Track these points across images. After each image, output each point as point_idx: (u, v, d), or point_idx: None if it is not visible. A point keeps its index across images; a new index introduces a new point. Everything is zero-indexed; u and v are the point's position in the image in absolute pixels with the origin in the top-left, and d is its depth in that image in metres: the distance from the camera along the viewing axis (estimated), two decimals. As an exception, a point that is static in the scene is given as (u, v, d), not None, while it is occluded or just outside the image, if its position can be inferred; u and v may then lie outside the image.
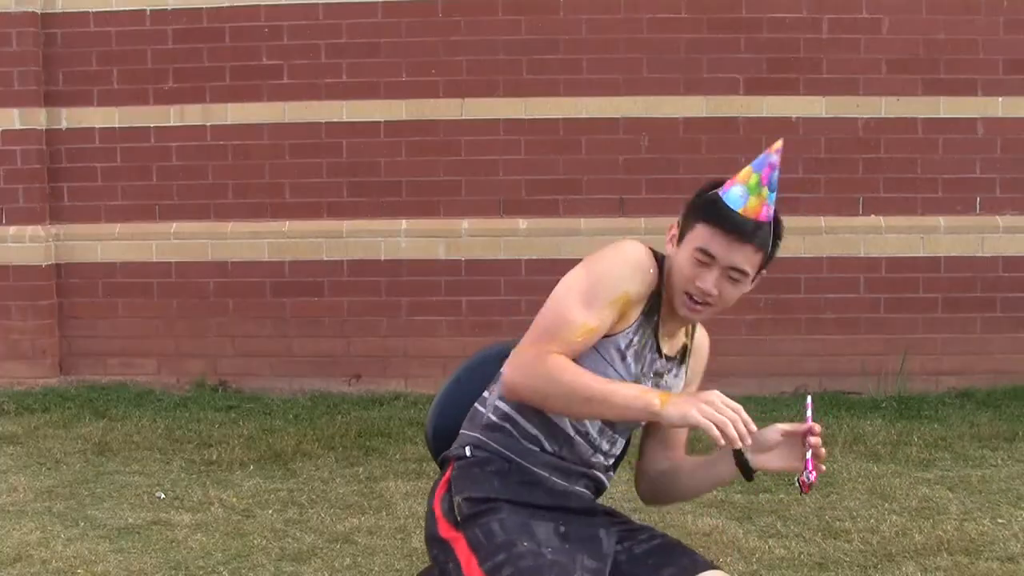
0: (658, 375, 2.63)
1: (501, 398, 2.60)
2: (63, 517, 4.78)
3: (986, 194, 6.89)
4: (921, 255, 6.88)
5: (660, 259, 2.61)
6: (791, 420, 6.12)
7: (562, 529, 2.48)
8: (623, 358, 2.56)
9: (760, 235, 2.48)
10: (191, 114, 7.10)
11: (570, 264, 2.60)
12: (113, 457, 5.65)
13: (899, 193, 6.88)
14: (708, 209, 2.51)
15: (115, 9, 7.08)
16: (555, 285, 2.55)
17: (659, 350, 2.62)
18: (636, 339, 2.57)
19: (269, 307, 7.13)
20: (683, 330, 2.68)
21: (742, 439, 2.27)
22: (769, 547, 4.36)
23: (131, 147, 7.15)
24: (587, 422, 2.57)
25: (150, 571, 4.19)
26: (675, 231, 2.57)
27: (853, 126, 6.87)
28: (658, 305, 2.59)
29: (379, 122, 7.01)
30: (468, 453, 2.60)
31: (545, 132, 6.95)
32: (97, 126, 7.16)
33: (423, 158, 7.00)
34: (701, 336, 2.76)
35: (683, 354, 2.70)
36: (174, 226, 7.16)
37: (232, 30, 7.04)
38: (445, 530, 2.50)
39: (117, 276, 7.20)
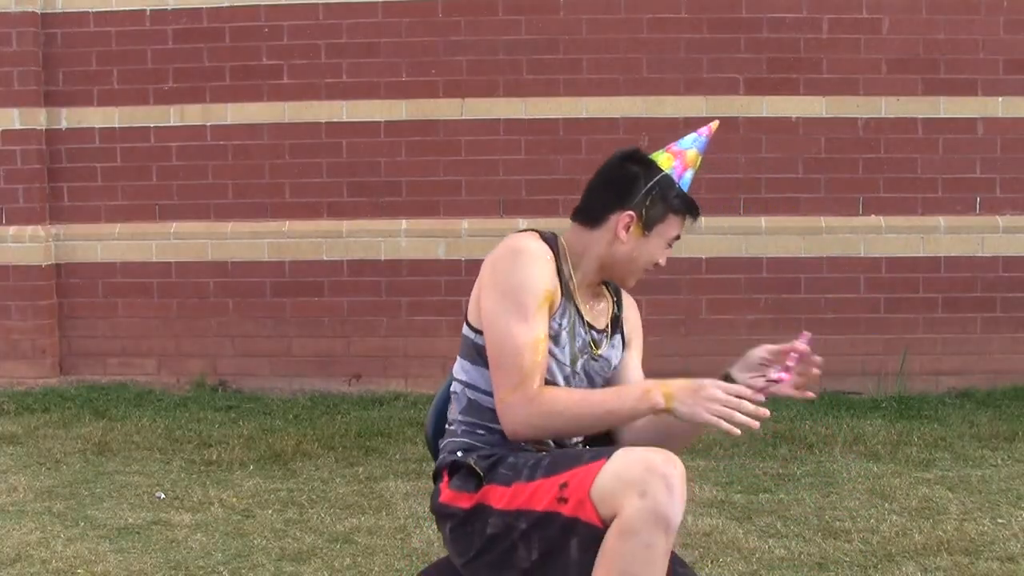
0: (594, 345, 2.73)
1: (461, 412, 2.69)
2: (63, 517, 4.77)
3: (986, 194, 6.89)
4: (921, 255, 6.88)
5: (549, 235, 2.73)
6: (791, 419, 6.14)
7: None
8: (557, 342, 2.64)
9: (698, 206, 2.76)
10: (191, 114, 7.10)
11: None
12: (113, 457, 5.65)
13: (899, 193, 6.88)
14: (679, 202, 2.72)
15: (115, 9, 7.08)
16: None
17: (586, 324, 2.72)
18: (565, 321, 2.66)
19: (269, 307, 7.13)
20: (604, 300, 2.81)
21: (755, 418, 2.40)
22: (769, 547, 4.36)
23: (131, 147, 7.16)
24: None
25: (150, 571, 4.19)
26: (630, 219, 2.69)
27: (853, 126, 6.87)
28: (568, 278, 2.70)
29: (379, 122, 7.02)
30: (459, 455, 2.62)
31: (545, 132, 6.95)
32: (97, 126, 7.16)
33: (423, 158, 7.01)
34: (627, 300, 2.90)
35: (615, 323, 2.81)
36: (174, 226, 7.16)
37: (232, 30, 7.04)
38: (468, 500, 2.53)
39: (117, 276, 7.20)
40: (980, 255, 6.88)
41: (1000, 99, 6.83)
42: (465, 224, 6.98)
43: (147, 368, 7.23)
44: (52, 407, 6.54)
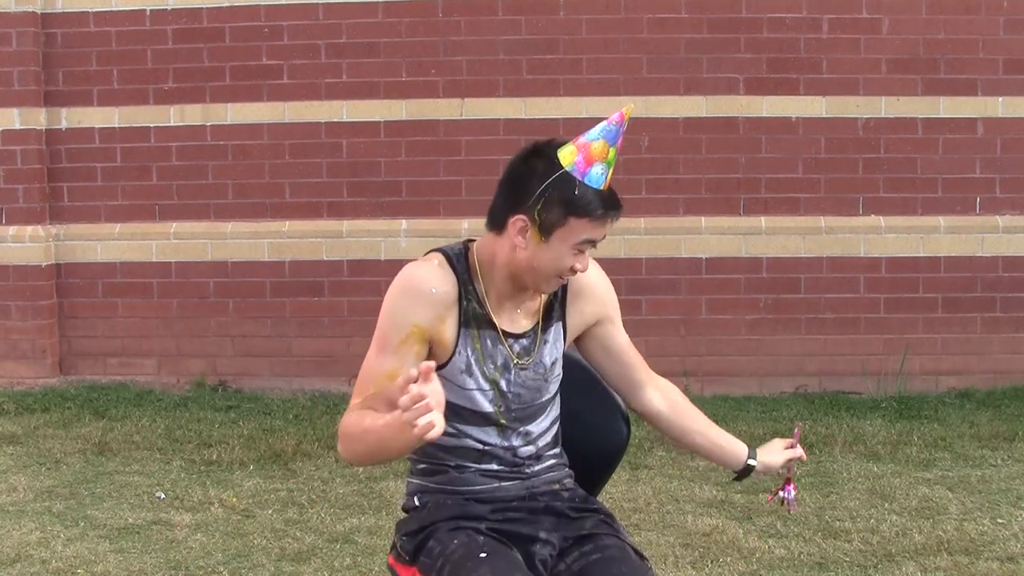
0: (522, 355, 2.58)
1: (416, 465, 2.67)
2: (63, 517, 4.78)
3: (986, 194, 6.89)
4: (921, 255, 6.88)
5: (459, 247, 2.59)
6: (791, 419, 6.15)
7: (495, 535, 2.51)
8: (470, 374, 2.54)
9: (619, 200, 2.49)
10: (191, 114, 7.10)
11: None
12: (113, 457, 5.65)
13: (899, 193, 6.88)
14: (576, 202, 2.43)
15: (115, 9, 7.08)
16: None
17: (505, 338, 2.56)
18: (469, 351, 2.54)
19: (269, 307, 7.13)
20: (532, 297, 2.60)
21: (427, 428, 2.14)
22: (769, 547, 4.36)
23: (131, 147, 7.15)
24: (476, 429, 2.56)
25: (150, 571, 4.19)
26: (523, 223, 2.46)
27: (853, 126, 6.87)
28: (475, 299, 2.54)
29: (379, 122, 7.02)
30: (416, 502, 2.64)
31: (545, 132, 6.88)
32: (97, 126, 7.16)
33: (423, 158, 7.01)
34: (579, 282, 2.64)
35: (548, 311, 2.63)
36: (174, 226, 7.16)
37: (232, 30, 7.04)
38: (406, 572, 2.57)
39: (117, 276, 7.20)
40: (980, 255, 6.88)
41: (1000, 99, 6.83)
42: (465, 224, 6.97)
43: (147, 368, 7.23)
44: (52, 407, 6.54)
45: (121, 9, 7.08)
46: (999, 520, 4.65)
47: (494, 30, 6.93)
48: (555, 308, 2.64)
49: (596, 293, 2.69)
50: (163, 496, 5.03)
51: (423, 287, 2.51)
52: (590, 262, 2.59)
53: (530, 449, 2.62)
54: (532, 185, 2.45)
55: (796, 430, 2.92)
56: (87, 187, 7.21)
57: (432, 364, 2.18)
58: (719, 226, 6.83)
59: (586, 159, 2.44)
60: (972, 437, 5.86)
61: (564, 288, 2.62)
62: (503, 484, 2.59)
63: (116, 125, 7.15)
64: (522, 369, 2.58)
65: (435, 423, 2.14)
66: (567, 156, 2.44)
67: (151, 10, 7.08)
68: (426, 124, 7.00)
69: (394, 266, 7.36)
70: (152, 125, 7.13)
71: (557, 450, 2.70)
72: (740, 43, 6.85)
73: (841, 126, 6.87)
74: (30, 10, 7.03)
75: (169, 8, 7.06)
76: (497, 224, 2.52)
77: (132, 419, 6.30)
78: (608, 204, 2.45)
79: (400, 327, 2.48)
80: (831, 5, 6.81)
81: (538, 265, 2.48)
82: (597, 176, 2.44)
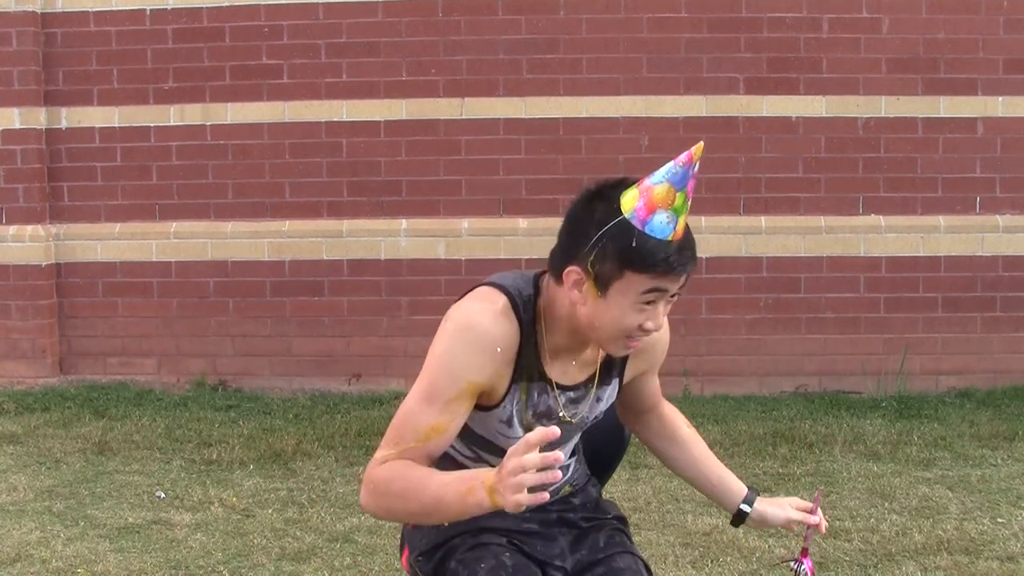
0: (568, 407, 2.39)
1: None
2: (63, 516, 4.78)
3: (986, 194, 6.89)
4: (921, 255, 6.88)
5: (529, 289, 2.33)
6: (791, 419, 6.13)
7: (514, 547, 2.41)
8: (510, 424, 2.36)
9: (694, 251, 2.22)
10: (191, 113, 7.10)
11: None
12: (113, 456, 5.65)
13: (899, 193, 6.88)
14: (635, 257, 2.16)
15: (115, 8, 7.08)
16: None
17: (555, 390, 2.37)
18: (515, 404, 2.34)
19: (269, 307, 7.13)
20: (593, 347, 2.37)
21: (544, 486, 1.97)
22: (769, 547, 4.37)
23: (131, 146, 7.15)
24: (496, 459, 2.34)
25: (150, 571, 4.19)
26: (578, 276, 2.22)
27: (853, 126, 6.87)
28: (535, 353, 2.32)
29: (379, 122, 7.02)
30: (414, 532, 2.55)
31: (545, 132, 6.95)
32: (97, 125, 7.16)
33: (423, 158, 7.01)
34: (651, 339, 2.41)
35: (608, 365, 2.43)
36: (174, 226, 7.16)
37: (232, 29, 7.04)
38: None
39: (117, 275, 7.20)
40: (980, 255, 6.88)
41: (1000, 99, 6.83)
42: (465, 224, 6.98)
43: (147, 368, 7.23)
44: (52, 406, 6.54)
45: (121, 9, 7.08)
46: (999, 520, 4.65)
47: (494, 30, 6.93)
48: (616, 363, 2.44)
49: (656, 349, 2.50)
50: (163, 495, 5.03)
51: (488, 343, 2.26)
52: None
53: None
54: (589, 232, 2.19)
55: (816, 494, 2.61)
56: (87, 186, 7.21)
57: (556, 433, 1.98)
58: (719, 226, 6.83)
59: (647, 205, 2.16)
60: (972, 437, 5.86)
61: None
62: None
63: (116, 124, 7.15)
64: (565, 424, 2.38)
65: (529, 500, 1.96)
66: (628, 201, 2.18)
67: (151, 10, 7.08)
68: (426, 124, 7.00)
69: (394, 266, 7.42)
70: (152, 124, 7.13)
71: (574, 458, 2.61)
72: (740, 43, 6.85)
73: (841, 125, 6.87)
74: (30, 9, 7.03)
75: (169, 8, 7.06)
76: (555, 274, 2.28)
77: (132, 419, 6.30)
78: (672, 262, 2.17)
79: (455, 381, 2.24)
80: (831, 5, 6.81)
81: (599, 324, 2.23)
82: (661, 225, 2.15)
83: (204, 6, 7.04)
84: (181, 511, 4.82)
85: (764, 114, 6.86)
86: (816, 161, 6.89)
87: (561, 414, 2.39)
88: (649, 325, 2.23)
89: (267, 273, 7.11)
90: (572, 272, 2.22)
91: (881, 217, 6.90)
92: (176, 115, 7.11)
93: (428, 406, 2.24)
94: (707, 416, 6.09)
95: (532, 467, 1.95)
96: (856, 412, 6.36)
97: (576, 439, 2.55)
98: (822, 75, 6.84)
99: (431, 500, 2.13)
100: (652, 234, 2.15)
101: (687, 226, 2.20)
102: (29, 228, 7.13)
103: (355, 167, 7.05)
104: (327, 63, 7.01)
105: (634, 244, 2.15)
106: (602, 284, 2.19)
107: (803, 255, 6.88)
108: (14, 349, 7.18)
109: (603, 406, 2.47)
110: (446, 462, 2.38)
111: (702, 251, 7.54)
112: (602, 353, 2.40)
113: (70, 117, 7.18)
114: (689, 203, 2.17)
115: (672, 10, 6.85)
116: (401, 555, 2.64)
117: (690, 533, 4.51)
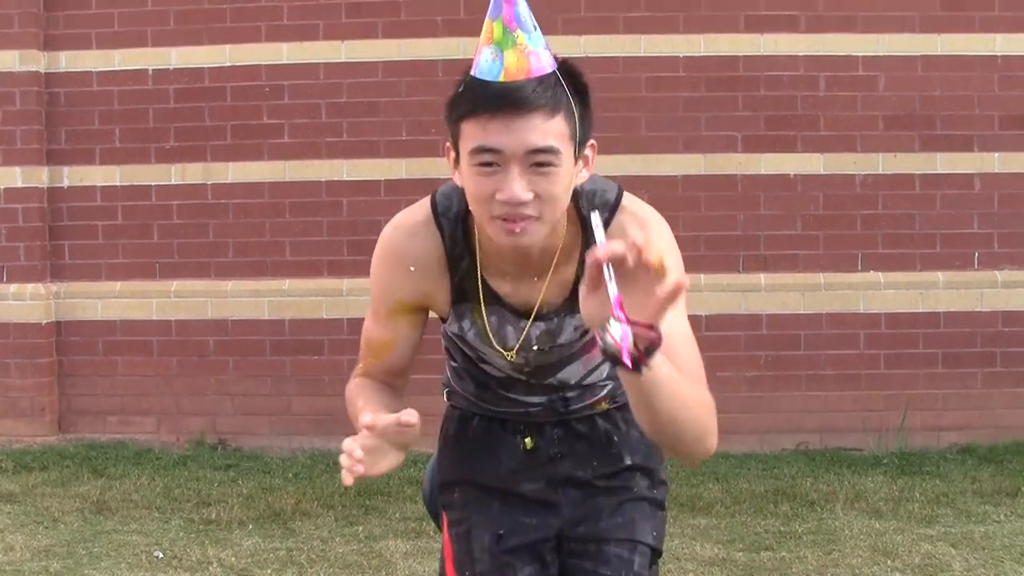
0: (550, 335, 2.19)
1: (448, 361, 2.57)
2: (60, 577, 4.75)
3: (984, 249, 6.91)
4: (920, 310, 6.89)
5: (456, 209, 2.17)
6: (792, 476, 6.10)
7: (500, 533, 2.38)
8: (487, 345, 2.27)
9: (542, 94, 1.88)
10: (192, 172, 7.13)
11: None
12: (111, 516, 5.63)
13: (897, 249, 6.90)
14: (461, 100, 1.93)
15: (118, 69, 7.13)
16: None
17: (515, 311, 2.18)
18: (466, 325, 2.25)
19: (269, 365, 7.12)
20: (560, 258, 2.10)
21: (349, 471, 1.93)
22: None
23: (132, 205, 7.18)
24: (493, 382, 2.39)
25: (148, 632, 4.16)
26: (448, 149, 2.04)
27: (851, 182, 6.91)
28: (472, 268, 2.17)
29: (379, 180, 7.05)
30: (445, 398, 2.65)
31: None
32: (99, 184, 7.20)
33: (423, 215, 7.01)
34: (623, 225, 2.10)
35: (574, 292, 2.09)
36: (174, 284, 7.17)
37: (233, 89, 7.09)
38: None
39: (117, 334, 7.20)
40: (979, 310, 6.88)
41: (996, 155, 6.87)
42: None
43: (146, 426, 7.21)
44: (50, 465, 6.51)
45: (124, 69, 7.13)
46: (1003, 577, 4.62)
47: (493, 89, 6.97)
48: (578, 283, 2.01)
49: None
50: (161, 555, 5.00)
51: (397, 261, 2.23)
52: (626, 217, 2.08)
53: (563, 393, 2.33)
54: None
55: (596, 220, 1.86)
56: (88, 245, 7.23)
57: (377, 424, 1.96)
58: (719, 283, 6.84)
59: (477, 49, 1.92)
60: (975, 493, 5.83)
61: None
62: (531, 411, 2.37)
63: (118, 183, 7.18)
64: (541, 352, 2.22)
65: (355, 475, 1.94)
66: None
67: (153, 70, 7.14)
68: (426, 183, 6.98)
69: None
70: (153, 183, 7.16)
71: (609, 383, 2.33)
72: (738, 101, 6.90)
73: (839, 182, 6.90)
74: (34, 70, 7.08)
75: (171, 68, 7.12)
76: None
77: (131, 477, 6.27)
78: (499, 98, 1.86)
79: (384, 299, 2.29)
80: (828, 63, 6.87)
81: (470, 204, 2.00)
82: (487, 64, 1.88)
83: (206, 66, 7.10)
84: (179, 571, 4.79)
85: (762, 171, 6.89)
86: (815, 218, 6.92)
87: (536, 347, 2.21)
88: (500, 195, 1.90)
89: (267, 332, 7.11)
90: (448, 149, 2.05)
91: (880, 273, 6.91)
92: (177, 174, 7.15)
93: (374, 324, 2.33)
94: (708, 474, 6.06)
95: (347, 451, 1.94)
96: (857, 469, 6.33)
97: (573, 368, 2.29)
98: (819, 132, 6.88)
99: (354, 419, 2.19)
100: (480, 76, 1.90)
101: (532, 70, 1.89)
102: (30, 286, 7.14)
103: (355, 226, 7.07)
104: (327, 123, 7.05)
105: (460, 90, 1.95)
106: (456, 150, 2.00)
107: (803, 312, 6.89)
108: (13, 407, 7.16)
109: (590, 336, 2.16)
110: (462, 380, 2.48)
111: (702, 308, 7.49)
112: (570, 272, 2.12)
113: (72, 176, 7.22)
114: (518, 35, 1.87)
115: (670, 69, 6.91)
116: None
117: None
